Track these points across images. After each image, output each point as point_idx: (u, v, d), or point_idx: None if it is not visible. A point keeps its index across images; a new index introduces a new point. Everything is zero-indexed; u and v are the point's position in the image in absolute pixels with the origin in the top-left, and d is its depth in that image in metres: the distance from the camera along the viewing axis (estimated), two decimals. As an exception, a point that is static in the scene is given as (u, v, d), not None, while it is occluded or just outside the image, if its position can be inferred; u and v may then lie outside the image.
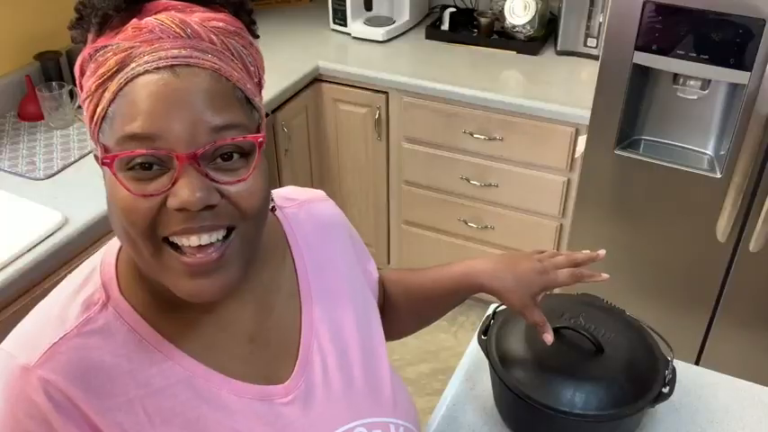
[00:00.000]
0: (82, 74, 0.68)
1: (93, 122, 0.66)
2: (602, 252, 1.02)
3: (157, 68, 0.63)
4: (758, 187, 1.82)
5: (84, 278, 0.75)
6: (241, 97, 0.68)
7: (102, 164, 0.63)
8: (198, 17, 0.67)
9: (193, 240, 0.66)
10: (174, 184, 0.63)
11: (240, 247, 0.69)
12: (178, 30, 0.65)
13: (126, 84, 0.63)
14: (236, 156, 0.66)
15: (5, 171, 1.79)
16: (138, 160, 0.63)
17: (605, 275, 1.01)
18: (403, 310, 1.07)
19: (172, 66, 0.63)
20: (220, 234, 0.67)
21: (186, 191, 0.63)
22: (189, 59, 0.64)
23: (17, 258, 1.49)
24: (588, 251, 1.03)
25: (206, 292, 0.68)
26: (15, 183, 1.74)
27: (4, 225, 1.56)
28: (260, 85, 0.73)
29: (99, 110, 0.65)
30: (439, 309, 1.08)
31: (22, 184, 1.73)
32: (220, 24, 0.68)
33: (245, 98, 0.68)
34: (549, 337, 0.98)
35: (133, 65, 0.63)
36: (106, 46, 0.65)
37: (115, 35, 0.65)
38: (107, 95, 0.64)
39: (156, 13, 0.66)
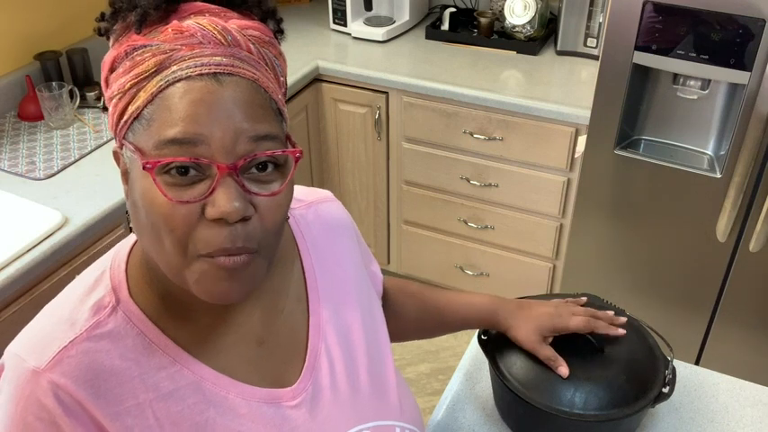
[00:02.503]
0: (111, 70, 0.67)
1: (123, 121, 0.66)
2: (621, 331, 1.04)
3: (201, 75, 0.63)
4: (758, 187, 1.82)
5: (94, 280, 0.74)
6: (275, 108, 0.68)
7: (144, 168, 0.63)
8: (236, 24, 0.67)
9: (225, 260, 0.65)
10: (211, 192, 0.63)
11: (262, 261, 0.69)
12: (220, 36, 0.65)
13: (167, 87, 0.63)
14: (270, 167, 0.67)
15: (5, 171, 1.79)
16: (176, 164, 0.63)
17: (621, 331, 1.03)
18: (411, 322, 1.08)
19: (215, 73, 0.63)
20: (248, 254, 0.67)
21: (225, 200, 0.63)
22: (231, 68, 0.64)
23: (17, 258, 1.49)
24: (611, 312, 1.07)
25: (232, 293, 0.67)
26: (15, 183, 1.74)
27: (4, 225, 1.56)
28: (285, 95, 0.73)
29: (132, 109, 0.65)
30: (448, 330, 1.10)
31: (22, 184, 1.73)
32: (256, 33, 0.68)
33: (277, 109, 0.69)
34: (563, 370, 0.99)
35: (174, 68, 0.63)
36: (145, 45, 0.64)
37: (151, 34, 0.65)
38: (143, 95, 0.64)
39: (192, 15, 0.66)
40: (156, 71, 0.64)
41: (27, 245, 1.51)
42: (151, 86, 0.64)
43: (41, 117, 1.99)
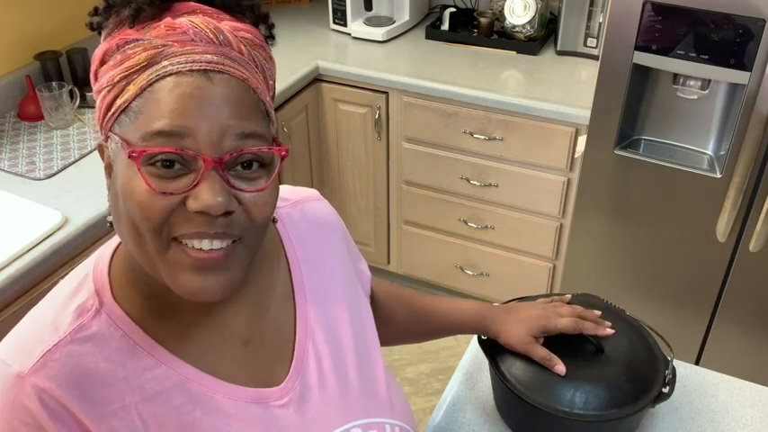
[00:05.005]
0: (102, 63, 0.67)
1: (111, 113, 0.66)
2: (609, 330, 1.04)
3: (191, 71, 0.63)
4: (758, 187, 1.82)
5: (76, 284, 0.74)
6: (263, 109, 0.69)
7: (129, 157, 0.63)
8: (228, 25, 0.68)
9: (205, 244, 0.66)
10: (195, 185, 0.64)
11: (244, 251, 0.70)
12: (212, 35, 0.66)
13: (157, 80, 0.63)
14: (255, 165, 0.67)
15: (5, 171, 1.79)
16: (161, 157, 0.63)
17: (610, 331, 1.04)
18: (400, 327, 1.08)
19: (205, 70, 0.64)
20: (229, 241, 0.68)
21: (208, 194, 0.63)
22: (222, 66, 0.65)
23: (17, 258, 1.49)
24: (598, 312, 1.07)
25: (209, 289, 0.68)
26: (15, 183, 1.74)
27: (4, 225, 1.56)
28: (273, 99, 0.74)
29: (120, 101, 0.65)
30: (437, 335, 1.11)
31: (22, 184, 1.73)
32: (248, 36, 0.69)
33: (265, 111, 0.69)
34: (560, 368, 0.99)
35: (165, 63, 0.64)
36: (138, 39, 0.65)
37: (143, 29, 0.66)
38: (132, 88, 0.64)
39: (185, 14, 0.67)
40: (146, 65, 0.64)
41: (27, 245, 1.51)
42: (141, 80, 0.64)
43: (41, 117, 1.99)
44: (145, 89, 0.64)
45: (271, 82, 0.72)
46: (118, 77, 0.65)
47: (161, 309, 0.74)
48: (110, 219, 0.72)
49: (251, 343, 0.79)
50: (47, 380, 0.67)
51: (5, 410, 0.68)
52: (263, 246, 0.81)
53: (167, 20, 0.65)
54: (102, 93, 0.67)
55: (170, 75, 0.63)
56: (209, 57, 0.65)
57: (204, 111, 0.63)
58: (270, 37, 0.73)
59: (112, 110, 0.66)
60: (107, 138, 0.68)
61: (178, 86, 0.63)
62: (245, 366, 0.78)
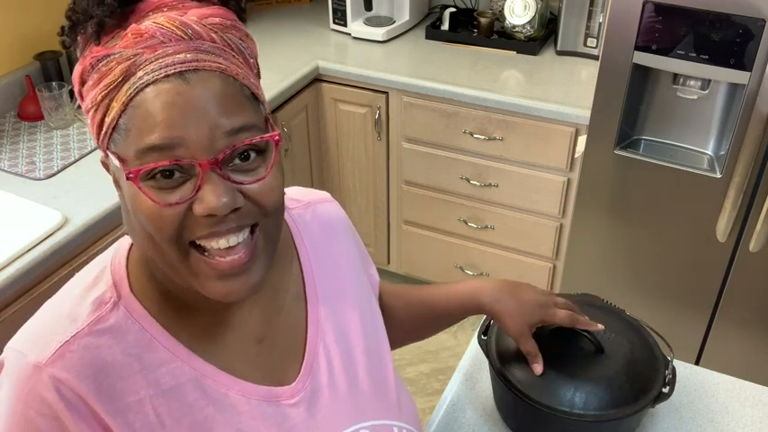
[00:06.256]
0: (82, 83, 0.67)
1: (103, 133, 0.66)
2: (600, 326, 1.04)
3: (166, 76, 0.63)
4: (758, 187, 1.82)
5: (94, 277, 0.75)
6: (248, 94, 0.68)
7: (127, 179, 0.64)
8: (194, 15, 0.66)
9: (222, 243, 0.67)
10: (198, 190, 0.64)
11: (264, 243, 0.70)
12: (179, 32, 0.65)
13: (136, 94, 0.63)
14: (253, 154, 0.67)
15: (5, 171, 1.79)
16: (159, 170, 0.63)
17: (600, 326, 1.04)
18: (399, 323, 1.07)
19: (180, 72, 0.63)
20: (246, 233, 0.68)
21: (212, 197, 0.63)
22: (197, 63, 0.64)
23: (17, 258, 1.49)
24: (587, 319, 1.06)
25: (236, 292, 0.69)
26: (15, 183, 1.74)
27: (4, 225, 1.56)
28: (258, 76, 0.73)
29: (108, 120, 0.65)
30: (437, 325, 1.11)
31: (22, 184, 1.73)
32: (217, 20, 0.67)
33: (251, 94, 0.69)
34: (538, 368, 1.00)
35: (140, 73, 0.63)
36: (108, 55, 0.64)
37: (113, 40, 0.65)
38: (116, 105, 0.64)
39: (150, 13, 0.66)
40: (123, 79, 0.64)
41: (27, 245, 1.51)
42: (121, 95, 0.64)
43: (41, 117, 1.99)
44: (127, 105, 0.63)
45: (252, 60, 0.71)
46: (99, 97, 0.65)
47: (176, 305, 0.74)
48: (124, 229, 0.73)
49: (264, 342, 0.80)
50: (64, 371, 0.68)
51: (22, 401, 0.68)
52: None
53: (133, 27, 0.64)
54: (90, 113, 0.67)
55: (148, 85, 0.63)
56: (181, 56, 0.64)
57: (189, 116, 0.62)
58: (241, 11, 0.72)
59: (104, 129, 0.66)
60: (107, 155, 0.68)
61: (158, 96, 0.62)
62: (257, 365, 0.78)
